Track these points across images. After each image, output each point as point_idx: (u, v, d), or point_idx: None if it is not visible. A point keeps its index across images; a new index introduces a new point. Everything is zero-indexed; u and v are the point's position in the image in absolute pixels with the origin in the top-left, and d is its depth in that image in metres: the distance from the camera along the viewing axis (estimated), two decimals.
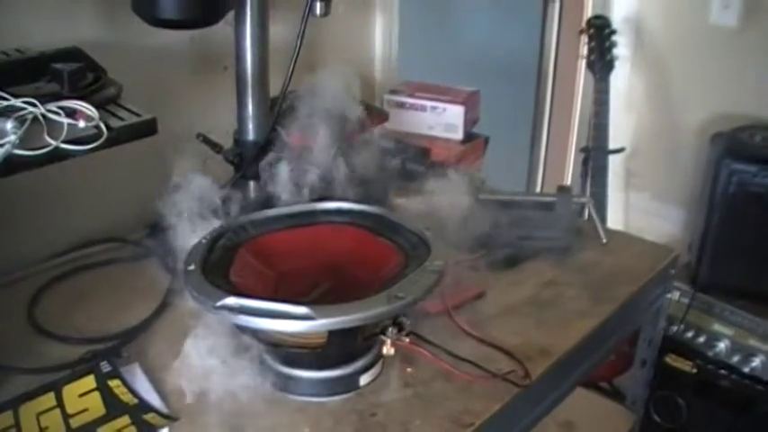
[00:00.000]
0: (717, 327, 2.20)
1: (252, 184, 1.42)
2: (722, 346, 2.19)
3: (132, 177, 1.50)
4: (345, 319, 0.96)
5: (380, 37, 2.06)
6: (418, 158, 1.73)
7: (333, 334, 1.00)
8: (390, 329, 1.07)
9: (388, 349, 1.08)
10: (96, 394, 1.12)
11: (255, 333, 1.07)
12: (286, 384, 1.12)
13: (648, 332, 1.62)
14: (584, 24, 2.57)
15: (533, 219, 1.54)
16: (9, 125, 0.99)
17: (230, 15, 1.30)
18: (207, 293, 1.01)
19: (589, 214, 1.57)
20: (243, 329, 1.06)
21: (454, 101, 1.80)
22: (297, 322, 0.95)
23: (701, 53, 2.55)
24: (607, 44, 2.51)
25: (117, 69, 1.23)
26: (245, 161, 1.40)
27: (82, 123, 1.05)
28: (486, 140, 1.81)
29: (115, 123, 1.08)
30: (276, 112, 1.37)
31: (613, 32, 2.52)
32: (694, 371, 2.21)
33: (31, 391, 1.11)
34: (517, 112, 2.96)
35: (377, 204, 1.29)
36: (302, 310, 0.95)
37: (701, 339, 2.22)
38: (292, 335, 1.02)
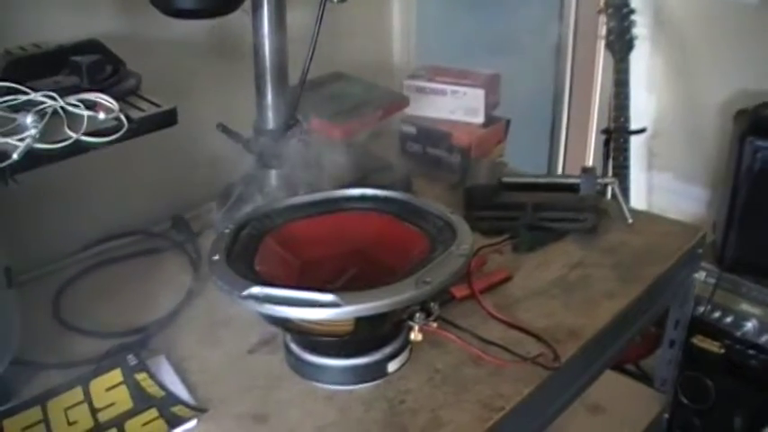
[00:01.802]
0: (744, 306, 2.18)
1: (272, 173, 1.41)
2: (750, 325, 2.17)
3: (154, 169, 1.50)
4: (373, 306, 0.95)
5: (398, 21, 2.05)
6: (440, 143, 1.72)
7: (360, 321, 0.99)
8: (418, 315, 1.06)
9: (415, 335, 1.08)
10: (123, 388, 1.12)
11: (282, 322, 1.06)
12: (313, 373, 1.12)
13: (677, 312, 1.61)
14: (602, 4, 2.54)
15: (558, 200, 1.53)
16: (29, 119, 0.99)
17: (247, 3, 1.29)
18: (233, 283, 1.00)
19: (614, 194, 1.55)
20: (269, 318, 1.06)
21: (474, 84, 1.78)
22: (324, 310, 0.95)
23: (722, 30, 2.52)
24: (626, 24, 2.49)
25: (134, 61, 1.23)
26: (266, 150, 1.40)
27: (102, 115, 1.04)
28: (508, 123, 1.79)
29: (135, 114, 1.08)
30: (296, 100, 1.36)
31: (632, 12, 2.49)
32: (722, 351, 2.19)
33: (59, 386, 1.12)
34: (536, 94, 2.94)
35: (400, 190, 1.28)
36: (329, 297, 0.94)
37: (729, 319, 2.20)
38: (319, 323, 1.02)
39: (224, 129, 1.43)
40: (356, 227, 1.21)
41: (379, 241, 1.18)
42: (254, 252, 1.12)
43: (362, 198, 1.25)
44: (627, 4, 2.49)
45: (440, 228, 1.14)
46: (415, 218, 1.18)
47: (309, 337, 1.10)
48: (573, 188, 1.54)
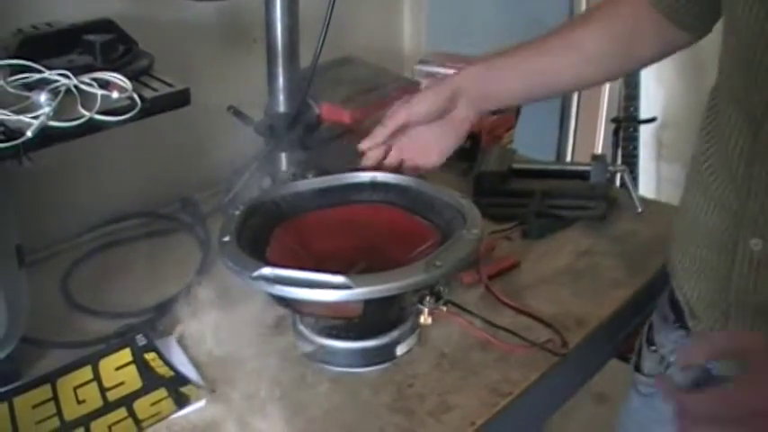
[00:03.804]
0: None
1: (283, 156, 1.41)
2: None
3: (164, 151, 1.50)
4: (383, 288, 0.95)
5: (410, 6, 2.04)
6: None
7: (370, 303, 0.99)
8: (428, 298, 1.06)
9: (425, 318, 1.08)
10: (132, 367, 1.13)
11: (292, 303, 1.07)
12: (322, 355, 1.12)
13: None
14: None
15: (567, 188, 1.52)
16: (43, 97, 0.99)
17: None
18: (243, 264, 1.00)
19: (623, 183, 1.55)
20: (279, 300, 1.06)
21: None
22: (334, 291, 0.95)
23: None
24: None
25: (147, 43, 1.23)
26: (276, 133, 1.39)
27: (115, 94, 1.04)
28: (518, 111, 1.79)
29: (148, 94, 1.08)
30: (307, 83, 1.36)
31: None
32: None
33: (69, 365, 1.12)
34: None
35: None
36: (339, 279, 0.94)
37: None
38: (329, 304, 1.02)
39: (235, 111, 1.43)
40: (367, 220, 1.21)
41: (388, 235, 1.18)
42: (265, 244, 1.12)
43: (373, 184, 1.24)
44: None
45: (449, 219, 1.14)
46: (426, 210, 1.18)
47: (319, 319, 1.10)
48: (583, 176, 1.54)
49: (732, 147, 0.96)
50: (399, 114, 1.19)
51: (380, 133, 1.22)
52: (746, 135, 0.93)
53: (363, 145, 1.23)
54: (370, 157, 1.25)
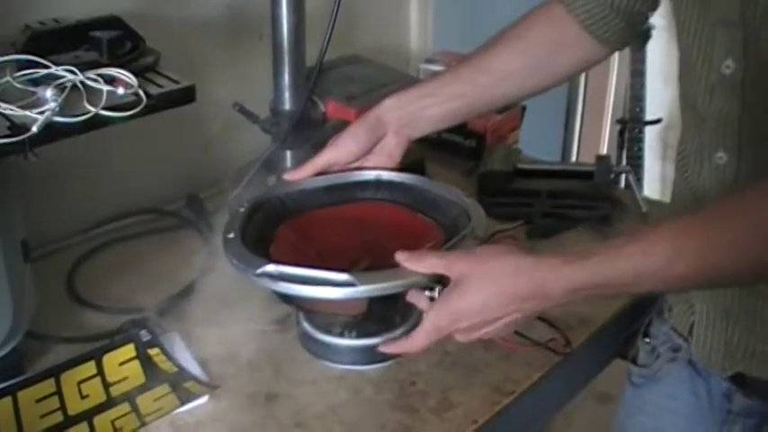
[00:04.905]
0: None
1: (288, 153, 1.42)
2: None
3: (169, 148, 1.51)
4: (387, 286, 0.95)
5: (416, 5, 2.04)
6: (455, 128, 1.72)
7: (374, 301, 0.99)
8: (438, 288, 1.06)
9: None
10: (136, 363, 1.13)
11: (295, 300, 1.07)
12: (325, 353, 1.12)
13: None
14: None
15: (572, 188, 1.53)
16: (49, 93, 0.99)
17: None
18: (247, 261, 1.00)
19: (628, 183, 1.55)
20: (283, 297, 1.06)
21: None
22: (338, 289, 0.94)
23: None
24: None
25: (153, 40, 1.23)
26: (282, 130, 1.40)
27: (121, 90, 1.05)
28: (523, 110, 1.78)
29: (154, 91, 1.08)
30: (312, 81, 1.36)
31: None
32: None
33: (72, 360, 1.13)
34: None
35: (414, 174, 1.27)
36: (343, 276, 0.94)
37: None
38: (333, 302, 1.02)
39: (240, 108, 1.43)
40: (371, 218, 1.21)
41: (392, 233, 1.18)
42: (270, 241, 1.12)
43: (377, 182, 1.24)
44: None
45: (453, 218, 1.13)
46: (430, 209, 1.17)
47: (322, 316, 1.10)
48: (588, 176, 1.54)
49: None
50: (321, 159, 1.19)
51: (305, 171, 1.21)
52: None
53: (289, 176, 1.22)
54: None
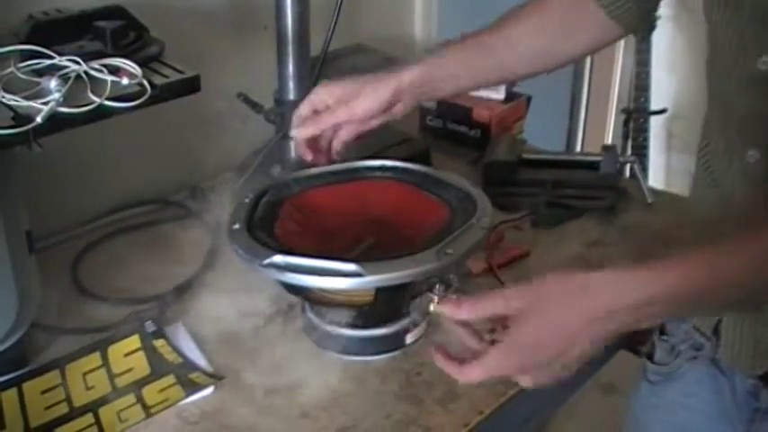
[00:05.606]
0: None
1: (292, 143, 1.41)
2: None
3: (173, 138, 1.50)
4: (395, 276, 0.94)
5: None
6: (460, 118, 1.72)
7: (380, 291, 0.99)
8: (438, 286, 1.05)
9: (434, 307, 1.07)
10: (141, 354, 1.13)
11: (302, 291, 1.06)
12: (331, 343, 1.12)
13: None
14: None
15: (577, 178, 1.52)
16: (53, 83, 0.99)
17: None
18: (253, 252, 1.00)
19: (633, 174, 1.55)
20: (289, 287, 1.06)
21: None
22: (345, 279, 0.94)
23: None
24: None
25: (157, 30, 1.22)
26: (286, 121, 1.39)
27: (125, 81, 1.04)
28: (529, 100, 1.78)
29: (158, 81, 1.07)
30: (317, 71, 1.36)
31: None
32: None
33: (78, 351, 1.13)
34: (557, 72, 2.93)
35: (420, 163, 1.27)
36: (351, 266, 0.94)
37: None
38: (340, 292, 1.02)
39: (245, 98, 1.43)
40: (375, 195, 1.21)
41: (398, 210, 1.18)
42: (274, 218, 1.12)
43: (382, 169, 1.24)
44: None
45: (460, 198, 1.13)
46: (436, 188, 1.18)
47: (328, 306, 1.10)
48: (593, 166, 1.53)
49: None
50: (338, 113, 1.17)
51: (315, 125, 1.20)
52: None
53: (296, 133, 1.21)
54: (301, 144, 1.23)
